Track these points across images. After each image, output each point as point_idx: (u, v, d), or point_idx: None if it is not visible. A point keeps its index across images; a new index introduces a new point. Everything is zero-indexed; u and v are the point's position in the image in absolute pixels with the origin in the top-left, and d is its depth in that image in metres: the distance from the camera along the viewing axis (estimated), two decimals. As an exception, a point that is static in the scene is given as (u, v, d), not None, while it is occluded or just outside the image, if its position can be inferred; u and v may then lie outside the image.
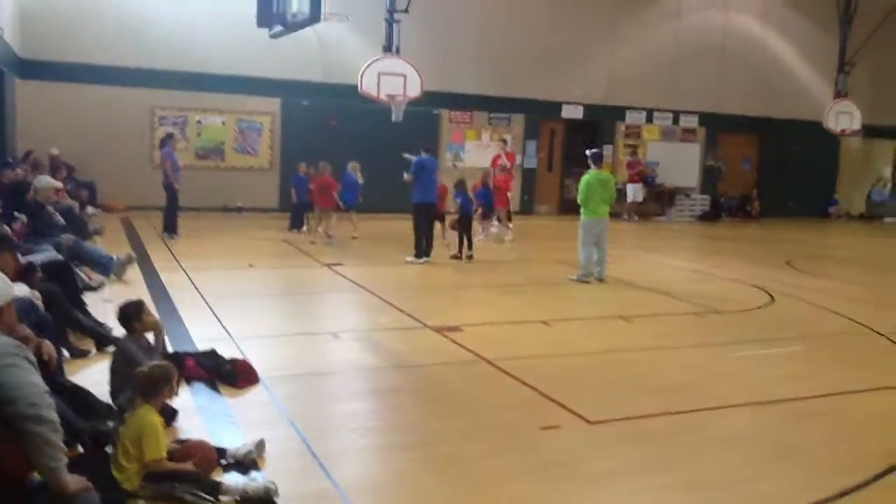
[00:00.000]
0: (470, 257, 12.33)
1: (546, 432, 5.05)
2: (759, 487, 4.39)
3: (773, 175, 23.98)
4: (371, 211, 16.42)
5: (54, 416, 3.36)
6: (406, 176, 12.16)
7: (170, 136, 13.88)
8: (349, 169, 14.27)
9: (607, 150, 21.76)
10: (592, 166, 11.10)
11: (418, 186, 12.00)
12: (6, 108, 13.63)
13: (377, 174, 15.73)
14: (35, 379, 3.38)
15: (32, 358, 3.49)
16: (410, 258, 11.89)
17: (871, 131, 23.73)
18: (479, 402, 5.61)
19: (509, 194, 15.74)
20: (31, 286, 5.77)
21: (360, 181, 14.37)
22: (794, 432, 5.29)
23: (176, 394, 4.73)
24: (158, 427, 3.96)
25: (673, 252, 15.31)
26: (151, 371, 4.10)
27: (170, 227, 13.25)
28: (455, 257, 12.30)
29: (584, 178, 10.96)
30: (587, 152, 11.39)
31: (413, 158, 12.27)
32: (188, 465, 3.96)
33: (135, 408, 4.03)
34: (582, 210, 10.96)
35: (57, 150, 15.05)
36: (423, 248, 11.97)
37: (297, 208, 15.04)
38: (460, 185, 12.68)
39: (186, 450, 4.16)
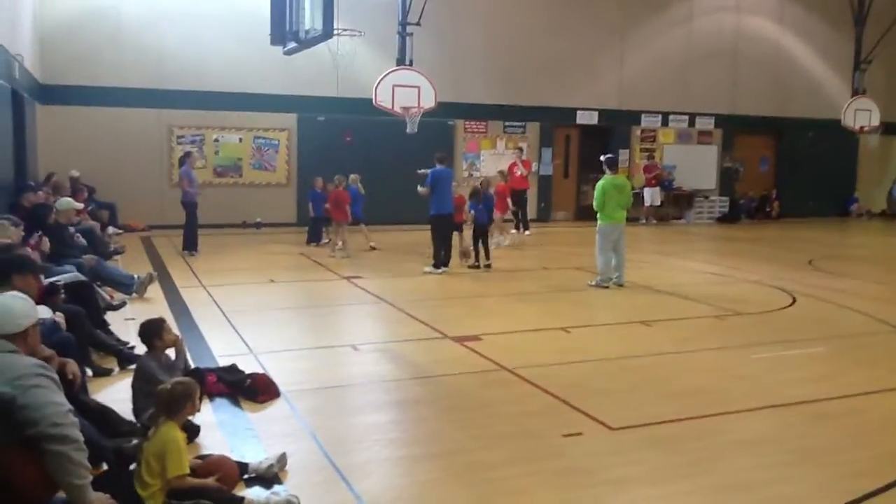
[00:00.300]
0: (488, 266, 12.34)
1: (568, 439, 5.05)
2: (780, 491, 4.36)
3: (792, 175, 23.80)
4: (388, 223, 16.51)
5: (78, 434, 3.41)
6: (421, 189, 12.12)
7: (188, 155, 14.19)
8: (350, 181, 14.35)
9: (623, 155, 21.70)
10: (608, 171, 11.07)
11: (435, 198, 11.96)
12: (27, 132, 13.83)
13: (393, 186, 15.84)
14: (58, 398, 3.43)
15: (56, 377, 3.55)
16: (429, 269, 11.92)
17: (889, 128, 23.51)
18: (500, 411, 5.61)
19: (508, 199, 15.72)
20: (55, 307, 5.86)
21: (362, 192, 14.53)
22: (816, 434, 5.25)
23: (198, 410, 4.79)
24: (181, 443, 3.99)
25: (692, 255, 15.23)
26: (173, 388, 4.14)
27: (190, 245, 13.39)
28: (473, 267, 12.31)
29: (600, 184, 10.96)
30: (602, 158, 11.40)
31: (427, 172, 12.23)
32: (210, 481, 4.00)
33: (158, 425, 4.07)
34: (598, 215, 10.96)
35: (77, 173, 15.27)
36: (441, 258, 11.99)
37: (314, 222, 15.14)
38: (475, 195, 12.67)
39: (208, 465, 4.20)
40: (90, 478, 3.44)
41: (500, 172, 16.10)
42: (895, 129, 24.16)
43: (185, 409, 4.17)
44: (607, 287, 10.76)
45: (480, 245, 12.43)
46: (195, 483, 3.95)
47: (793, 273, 12.34)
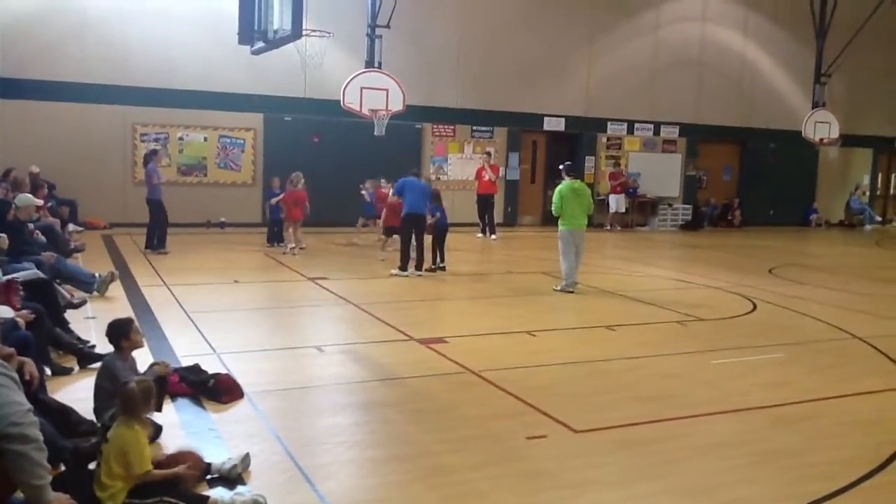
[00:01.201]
0: (442, 269, 12.38)
1: (532, 442, 5.07)
2: (742, 493, 4.43)
3: (754, 184, 24.21)
4: (354, 225, 16.43)
5: (38, 434, 3.35)
6: (391, 199, 12.53)
7: (154, 152, 14.14)
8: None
9: (589, 162, 21.93)
10: (566, 177, 11.19)
11: (405, 200, 12.04)
12: (-14, 126, 13.57)
13: (359, 188, 15.77)
14: (18, 398, 3.37)
15: (16, 376, 3.49)
16: (395, 271, 11.90)
17: (848, 140, 24.01)
18: (465, 414, 5.62)
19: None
20: (13, 305, 5.74)
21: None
22: (776, 438, 5.33)
23: (158, 410, 4.73)
24: (142, 439, 3.93)
25: (656, 261, 15.40)
26: (133, 387, 4.07)
27: (157, 243, 13.35)
28: (430, 270, 12.29)
29: (558, 189, 11.07)
30: (560, 166, 11.68)
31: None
32: (181, 469, 3.95)
33: (117, 424, 4.00)
34: (560, 220, 11.03)
35: (37, 168, 14.96)
36: (408, 260, 11.97)
37: (272, 223, 15.08)
38: (436, 199, 12.72)
39: (175, 457, 4.16)
40: (49, 478, 3.38)
41: (383, 181, 15.58)
42: (854, 141, 24.68)
43: (144, 408, 4.12)
44: (572, 292, 10.83)
45: (437, 248, 12.50)
46: (162, 474, 3.90)
47: (754, 280, 12.53)
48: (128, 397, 4.04)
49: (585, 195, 11.15)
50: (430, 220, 12.50)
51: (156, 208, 13.39)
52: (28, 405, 3.41)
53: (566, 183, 11.08)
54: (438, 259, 12.50)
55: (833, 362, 7.56)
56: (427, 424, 5.37)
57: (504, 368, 6.77)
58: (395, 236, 12.85)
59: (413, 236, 12.05)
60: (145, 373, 4.93)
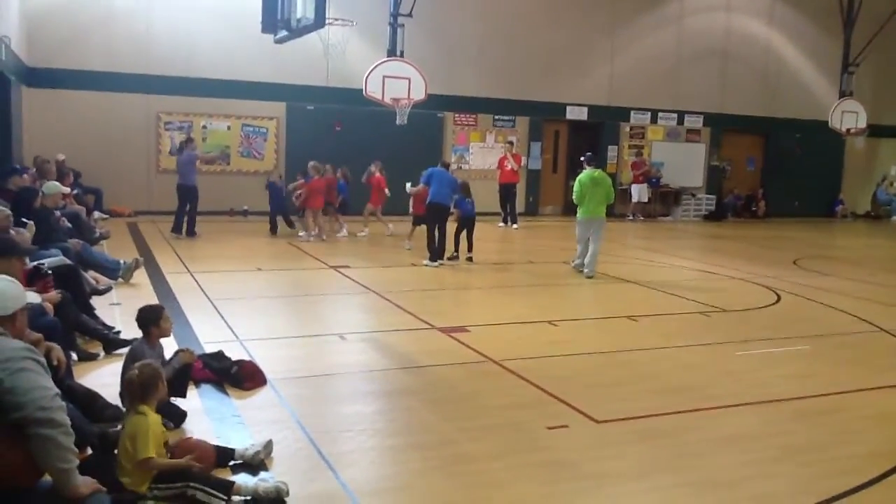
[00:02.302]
0: (469, 259, 12.32)
1: (553, 432, 5.07)
2: (763, 487, 4.39)
3: (779, 175, 23.96)
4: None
5: (65, 418, 3.39)
6: (412, 189, 12.78)
7: (190, 140, 14.77)
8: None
9: (612, 151, 21.83)
10: (587, 167, 11.61)
11: (431, 189, 12.05)
12: (13, 115, 13.70)
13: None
14: (46, 382, 3.41)
15: (43, 361, 3.53)
16: (426, 262, 11.85)
17: (875, 130, 23.70)
18: (486, 403, 5.63)
19: (386, 190, 15.56)
20: (40, 291, 5.82)
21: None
22: (799, 431, 5.29)
23: (182, 395, 4.78)
24: (151, 426, 3.92)
25: (679, 252, 15.31)
26: (141, 371, 4.09)
27: (188, 228, 13.96)
28: (452, 258, 12.27)
29: (578, 178, 11.53)
30: (581, 158, 12.08)
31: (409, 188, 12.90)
32: (182, 461, 3.98)
33: (131, 410, 4.04)
34: (579, 208, 11.47)
35: (63, 156, 15.16)
36: (436, 251, 11.90)
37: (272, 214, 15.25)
38: (464, 189, 12.65)
39: (183, 446, 4.18)
40: (76, 462, 3.42)
41: (376, 164, 15.63)
42: (881, 131, 24.37)
43: (156, 392, 4.09)
44: (582, 272, 11.28)
45: (464, 237, 12.47)
46: (164, 464, 3.92)
47: (778, 271, 12.43)
48: (129, 383, 4.08)
49: (605, 185, 11.38)
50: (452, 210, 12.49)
51: (192, 194, 13.90)
52: (55, 390, 3.45)
53: (586, 172, 11.46)
54: (467, 249, 12.42)
55: (858, 355, 7.49)
56: (448, 413, 5.38)
57: (525, 358, 6.77)
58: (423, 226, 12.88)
59: (437, 226, 12.00)
60: (171, 360, 4.98)
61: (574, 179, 11.91)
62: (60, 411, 3.37)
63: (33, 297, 5.31)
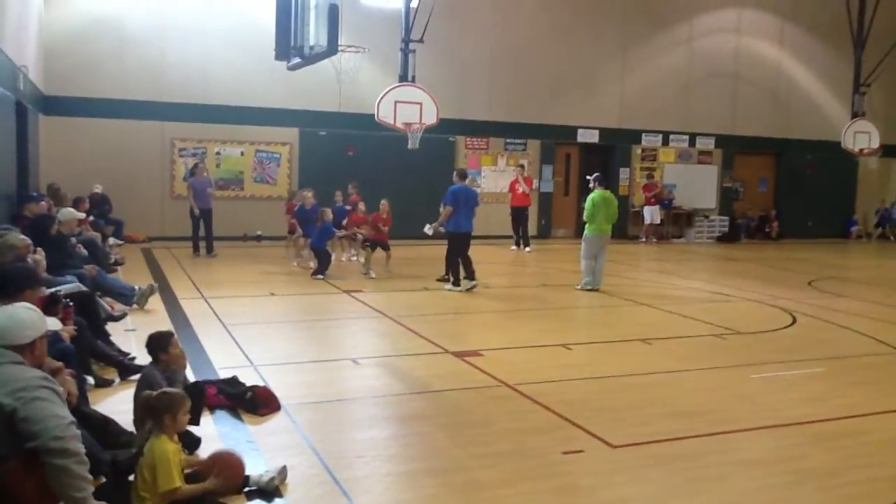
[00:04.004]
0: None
1: (568, 457, 5.04)
2: (783, 511, 4.36)
3: (791, 196, 23.90)
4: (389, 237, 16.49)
5: (80, 447, 3.39)
6: (442, 209, 11.93)
7: (195, 166, 15.43)
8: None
9: (624, 173, 21.87)
10: (598, 187, 12.14)
11: (454, 216, 11.75)
12: (30, 143, 13.87)
13: (393, 202, 15.80)
14: (60, 411, 3.41)
15: (60, 390, 3.54)
16: (449, 287, 11.73)
17: (889, 150, 23.62)
18: (500, 428, 5.61)
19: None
20: (61, 319, 5.87)
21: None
22: (815, 455, 5.24)
23: (195, 423, 4.78)
24: (171, 455, 3.92)
25: (692, 274, 15.25)
26: (158, 398, 4.11)
27: (207, 247, 14.93)
28: (443, 280, 12.16)
29: (590, 197, 12.07)
30: (589, 177, 12.46)
31: (429, 230, 12.34)
32: (208, 484, 3.97)
33: (149, 437, 4.05)
34: (587, 226, 12.03)
35: (100, 188, 15.81)
36: (459, 277, 11.75)
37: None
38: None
39: (212, 462, 4.19)
40: (90, 489, 3.42)
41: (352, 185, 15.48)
42: (894, 151, 24.26)
43: (170, 421, 4.07)
44: (590, 289, 11.84)
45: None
46: (190, 491, 3.92)
47: (792, 293, 12.36)
48: (147, 410, 4.10)
49: (613, 205, 12.14)
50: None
51: (208, 216, 14.91)
52: (70, 418, 3.46)
53: (598, 192, 12.07)
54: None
55: (874, 377, 7.43)
56: (462, 438, 5.37)
57: (539, 382, 6.75)
58: (376, 249, 13.30)
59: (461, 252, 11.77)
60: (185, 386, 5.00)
61: (602, 201, 12.06)
62: (75, 440, 3.38)
63: (53, 324, 5.36)
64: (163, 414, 4.06)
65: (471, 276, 11.78)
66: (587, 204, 12.02)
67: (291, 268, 13.83)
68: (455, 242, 11.86)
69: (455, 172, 12.71)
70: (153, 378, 4.97)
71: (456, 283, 11.77)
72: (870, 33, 21.62)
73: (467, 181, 12.41)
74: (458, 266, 11.80)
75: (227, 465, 4.22)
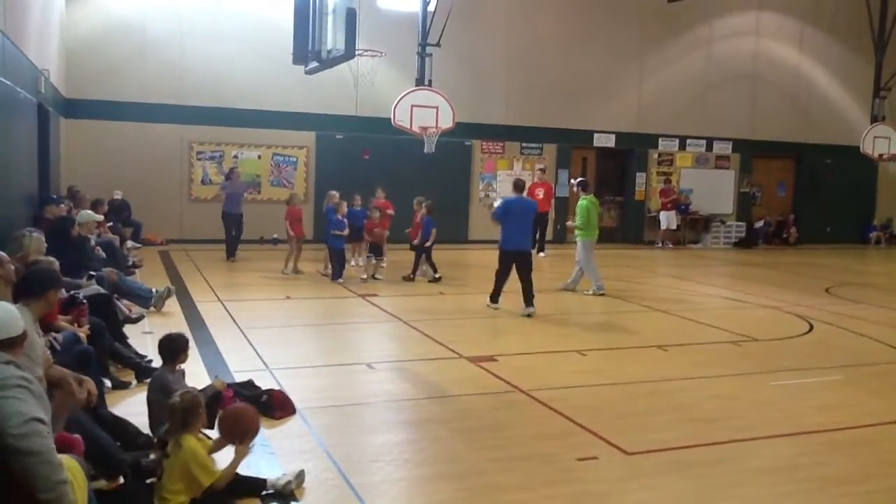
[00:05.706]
0: (438, 279, 12.88)
1: (583, 463, 5.03)
2: (800, 519, 4.32)
3: (810, 200, 23.72)
4: (404, 241, 16.52)
5: (42, 445, 3.15)
6: (494, 221, 10.99)
7: (231, 171, 15.88)
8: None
9: (640, 178, 21.79)
10: (583, 193, 12.67)
11: (505, 230, 10.55)
12: (51, 146, 13.99)
13: (409, 205, 15.82)
14: (24, 408, 3.17)
15: (38, 389, 3.31)
16: (488, 302, 10.85)
17: (909, 156, 23.37)
18: (514, 433, 5.60)
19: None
20: (81, 325, 5.93)
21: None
22: (833, 463, 5.20)
23: (211, 427, 4.81)
24: (202, 452, 4.05)
25: (709, 279, 15.17)
26: (182, 399, 4.17)
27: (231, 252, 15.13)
28: (408, 279, 12.93)
29: (583, 204, 12.44)
30: (573, 181, 12.87)
31: (497, 202, 11.28)
32: (237, 454, 4.24)
33: (176, 440, 4.10)
34: (581, 232, 12.34)
35: (120, 194, 15.89)
36: (498, 293, 10.75)
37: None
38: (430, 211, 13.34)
39: (225, 430, 4.40)
40: (61, 490, 3.14)
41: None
42: (915, 156, 24.00)
43: (198, 419, 4.24)
44: (604, 294, 11.99)
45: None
46: (228, 472, 4.15)
47: (810, 300, 12.27)
48: (180, 410, 4.17)
49: (598, 209, 12.78)
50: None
51: (240, 221, 15.25)
52: (34, 415, 3.17)
53: (589, 197, 12.56)
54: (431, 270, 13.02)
55: (893, 385, 7.36)
56: (476, 443, 5.37)
57: (554, 388, 6.73)
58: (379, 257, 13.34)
59: (518, 272, 10.53)
60: (203, 389, 5.04)
61: (602, 206, 12.28)
62: (36, 437, 3.12)
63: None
64: (191, 414, 4.17)
65: (528, 300, 10.42)
66: (580, 211, 12.38)
67: (284, 274, 13.43)
68: (503, 260, 10.63)
69: (512, 183, 11.45)
70: (166, 381, 5.02)
71: (494, 299, 10.73)
72: (891, 36, 21.42)
73: (525, 191, 11.36)
74: (502, 282, 10.71)
75: (235, 422, 4.36)
